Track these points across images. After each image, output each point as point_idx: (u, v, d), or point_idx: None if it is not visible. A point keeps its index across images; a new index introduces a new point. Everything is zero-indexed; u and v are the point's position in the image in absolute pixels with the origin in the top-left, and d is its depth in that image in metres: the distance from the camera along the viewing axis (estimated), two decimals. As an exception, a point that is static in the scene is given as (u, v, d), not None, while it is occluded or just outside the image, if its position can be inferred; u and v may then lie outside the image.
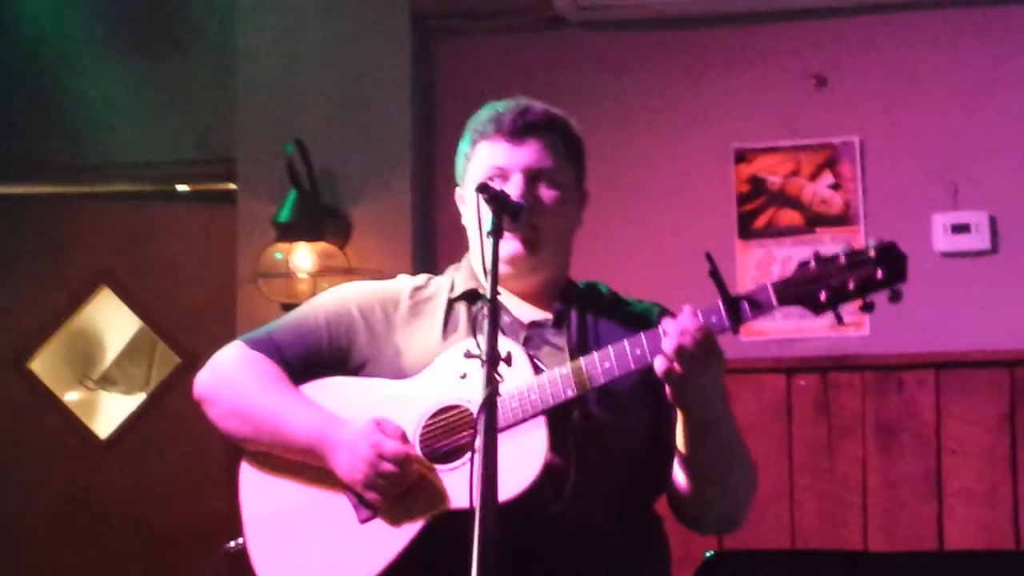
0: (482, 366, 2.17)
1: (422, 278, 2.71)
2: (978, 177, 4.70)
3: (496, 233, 2.33)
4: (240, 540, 2.60)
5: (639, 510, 2.57)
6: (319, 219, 4.89)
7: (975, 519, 4.55)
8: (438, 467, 2.43)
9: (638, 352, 2.36)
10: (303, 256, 4.87)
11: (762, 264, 4.74)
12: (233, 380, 2.61)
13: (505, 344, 2.39)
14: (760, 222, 4.84)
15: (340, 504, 2.49)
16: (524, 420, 2.38)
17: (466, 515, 2.12)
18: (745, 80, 4.89)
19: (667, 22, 4.92)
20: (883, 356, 4.66)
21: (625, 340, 2.37)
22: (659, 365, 2.30)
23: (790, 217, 4.83)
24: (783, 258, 4.76)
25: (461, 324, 2.58)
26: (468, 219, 2.64)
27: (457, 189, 2.70)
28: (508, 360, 2.19)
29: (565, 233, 2.63)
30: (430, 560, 2.17)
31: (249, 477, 2.60)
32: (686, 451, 2.43)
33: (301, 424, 2.52)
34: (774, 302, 2.31)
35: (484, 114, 2.63)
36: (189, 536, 5.07)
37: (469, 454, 2.26)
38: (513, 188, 2.51)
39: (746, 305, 2.32)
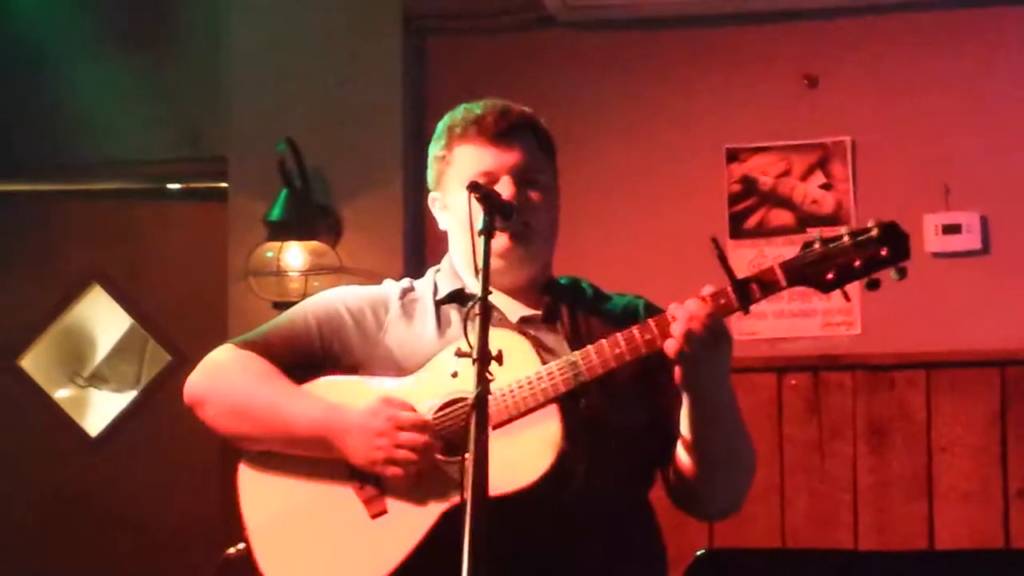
0: (473, 364, 2.17)
1: (406, 282, 2.72)
2: (969, 178, 4.71)
3: (488, 232, 2.34)
4: (240, 545, 2.57)
5: (639, 499, 2.59)
6: (310, 217, 4.89)
7: (966, 518, 4.56)
8: (449, 458, 2.42)
9: (648, 337, 2.39)
10: (294, 254, 4.87)
11: (754, 264, 4.75)
12: (229, 379, 2.59)
13: (509, 336, 2.42)
14: (752, 222, 4.84)
15: (348, 501, 2.47)
16: (536, 408, 2.39)
17: None
18: (736, 80, 4.89)
19: (657, 22, 4.92)
20: (874, 355, 4.67)
21: (634, 327, 2.40)
22: (670, 347, 2.33)
23: (782, 217, 4.83)
24: (774, 257, 4.74)
25: (454, 322, 2.58)
26: (451, 221, 2.65)
27: (432, 194, 2.70)
28: (499, 358, 2.20)
29: (552, 229, 2.64)
30: (446, 552, 2.15)
31: (249, 482, 2.57)
32: (695, 434, 2.45)
33: (306, 414, 2.50)
34: (783, 282, 2.36)
35: (460, 117, 2.63)
36: (180, 534, 5.07)
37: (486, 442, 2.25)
38: (504, 189, 2.52)
39: (755, 285, 2.36)
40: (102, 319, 5.57)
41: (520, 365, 2.41)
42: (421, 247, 4.85)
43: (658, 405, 2.52)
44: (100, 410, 5.54)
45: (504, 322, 2.56)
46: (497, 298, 2.57)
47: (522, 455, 2.33)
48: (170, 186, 5.49)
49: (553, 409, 2.40)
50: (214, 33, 5.18)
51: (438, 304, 2.63)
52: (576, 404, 2.43)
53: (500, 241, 2.50)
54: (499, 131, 2.58)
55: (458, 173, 2.60)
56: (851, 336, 4.71)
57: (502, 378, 2.31)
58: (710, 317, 2.31)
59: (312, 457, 2.51)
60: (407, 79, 5.03)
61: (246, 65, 5.08)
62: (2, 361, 5.47)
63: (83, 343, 5.63)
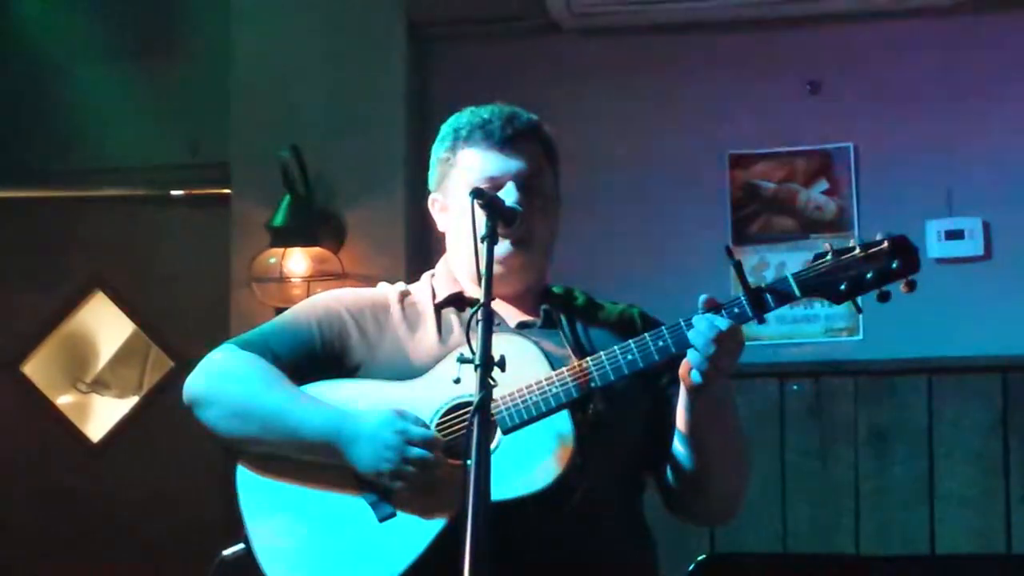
0: (476, 370, 2.17)
1: (401, 286, 2.71)
2: (972, 183, 4.71)
3: (491, 238, 2.35)
4: (237, 548, 2.55)
5: (636, 505, 2.60)
6: (313, 223, 4.89)
7: (967, 523, 4.56)
8: (457, 462, 2.40)
9: (661, 344, 2.40)
10: (297, 260, 4.87)
11: (757, 270, 4.75)
12: (232, 380, 2.56)
13: (517, 340, 2.43)
14: (755, 227, 4.85)
15: (355, 505, 2.46)
16: (549, 413, 2.39)
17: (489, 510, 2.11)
18: (739, 86, 4.90)
19: (661, 29, 4.93)
20: (876, 361, 4.67)
21: (646, 334, 2.41)
22: (695, 361, 2.34)
23: (784, 223, 4.83)
24: (777, 264, 4.77)
25: (455, 327, 2.58)
26: (452, 224, 2.65)
27: (433, 195, 2.70)
28: (502, 364, 2.20)
29: (552, 236, 2.65)
30: (454, 557, 2.15)
31: (248, 483, 2.55)
32: (695, 432, 2.46)
33: (314, 419, 2.48)
34: (797, 292, 2.37)
35: (467, 120, 2.63)
36: (181, 540, 5.07)
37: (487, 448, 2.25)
38: (508, 196, 2.52)
39: (769, 296, 2.37)
40: (104, 325, 5.58)
41: (528, 368, 2.41)
42: (424, 252, 4.85)
43: (657, 411, 2.54)
44: (102, 416, 5.54)
45: (504, 327, 2.56)
46: (495, 304, 2.58)
47: (534, 461, 2.33)
48: (173, 192, 5.49)
49: (565, 414, 2.40)
50: (217, 40, 5.17)
51: (437, 308, 2.63)
52: (585, 410, 2.43)
53: (502, 248, 2.49)
54: (505, 137, 2.58)
55: (462, 177, 2.60)
56: (853, 342, 4.71)
57: (511, 382, 2.32)
58: (730, 328, 2.33)
59: (316, 461, 2.49)
60: (410, 85, 5.03)
61: (249, 71, 5.08)
62: (5, 367, 5.47)
63: (85, 349, 5.63)
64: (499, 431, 2.39)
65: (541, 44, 5.03)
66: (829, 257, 2.38)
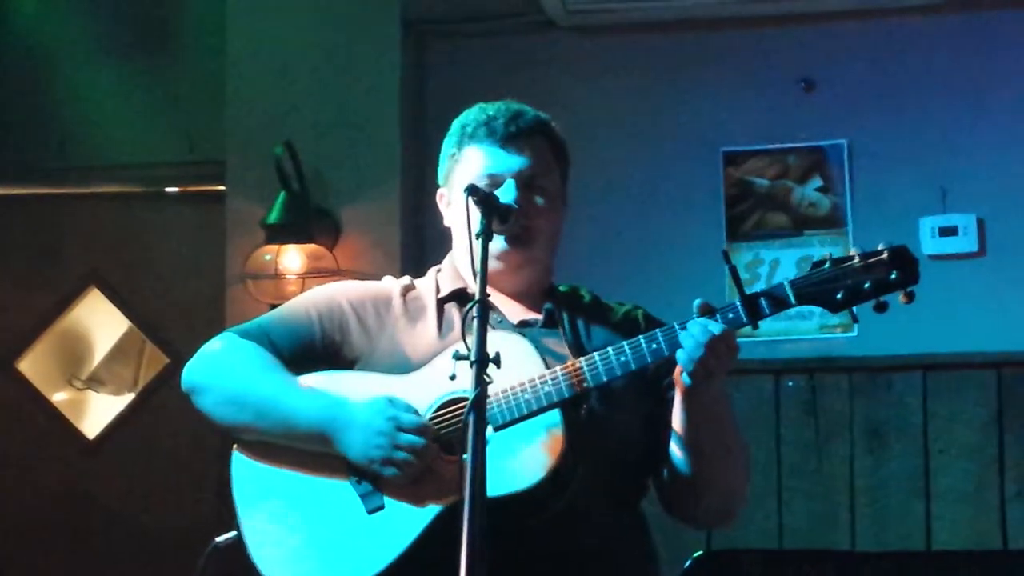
0: (471, 367, 2.17)
1: (406, 280, 2.72)
2: (966, 180, 4.72)
3: (485, 235, 2.35)
4: (230, 535, 2.56)
5: (633, 505, 2.59)
6: (308, 221, 4.89)
7: (963, 519, 4.57)
8: (448, 457, 2.42)
9: (654, 347, 2.39)
10: (292, 257, 4.87)
11: (751, 266, 4.76)
12: (228, 367, 2.57)
13: (512, 337, 2.42)
14: (748, 224, 4.85)
15: (345, 496, 2.46)
16: (540, 411, 2.39)
17: None
18: (734, 84, 4.91)
19: (656, 26, 4.93)
20: (871, 358, 4.67)
21: (640, 336, 2.40)
22: (682, 363, 2.34)
23: (778, 220, 4.84)
24: (771, 260, 4.78)
25: (455, 323, 2.58)
26: (453, 220, 2.66)
27: (440, 189, 2.71)
28: (497, 361, 2.20)
29: (554, 234, 2.64)
30: (441, 550, 2.16)
31: (242, 470, 2.56)
32: (688, 434, 2.45)
33: (307, 407, 2.49)
34: (792, 300, 2.37)
35: (474, 117, 2.63)
36: (178, 536, 5.07)
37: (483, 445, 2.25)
38: (507, 194, 2.52)
39: (764, 301, 2.37)
40: (100, 322, 5.57)
41: (523, 366, 2.41)
42: (419, 250, 4.86)
43: (654, 413, 2.53)
44: (97, 412, 5.54)
45: (504, 325, 2.56)
46: (498, 301, 2.58)
47: (522, 459, 2.33)
48: (168, 189, 5.49)
49: (556, 413, 2.40)
50: (212, 37, 5.17)
51: (440, 303, 2.63)
52: (578, 410, 2.43)
53: (497, 244, 2.50)
54: (508, 134, 2.58)
55: (464, 172, 2.60)
56: (848, 338, 4.72)
57: (504, 379, 2.31)
58: (723, 333, 2.34)
59: (309, 450, 2.50)
60: (406, 82, 5.03)
61: (244, 69, 5.08)
62: (0, 363, 5.47)
63: (81, 346, 5.63)
64: (490, 428, 2.39)
65: (536, 41, 5.03)
66: (827, 266, 2.36)
